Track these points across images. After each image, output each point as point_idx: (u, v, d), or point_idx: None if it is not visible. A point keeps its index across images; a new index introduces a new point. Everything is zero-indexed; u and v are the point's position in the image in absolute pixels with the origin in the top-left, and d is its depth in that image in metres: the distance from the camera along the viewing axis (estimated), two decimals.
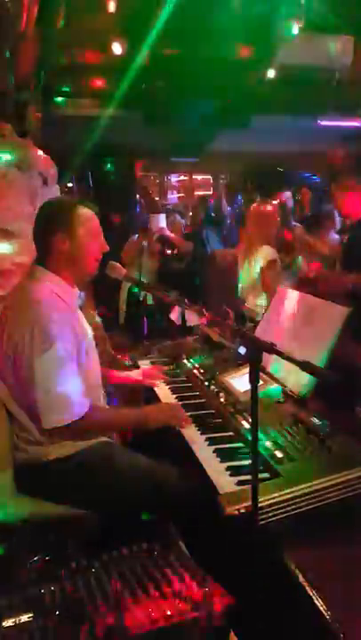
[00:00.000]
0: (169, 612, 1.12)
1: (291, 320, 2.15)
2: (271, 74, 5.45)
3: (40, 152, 3.59)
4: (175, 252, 5.02)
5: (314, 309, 2.04)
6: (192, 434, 1.78)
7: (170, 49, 4.94)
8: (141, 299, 4.17)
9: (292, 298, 2.24)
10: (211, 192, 9.49)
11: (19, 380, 1.66)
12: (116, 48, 5.07)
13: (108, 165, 6.69)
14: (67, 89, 5.86)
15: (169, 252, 5.01)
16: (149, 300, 4.24)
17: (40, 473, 1.71)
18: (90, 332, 1.90)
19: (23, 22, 3.66)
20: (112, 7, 4.61)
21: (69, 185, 7.22)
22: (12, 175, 3.28)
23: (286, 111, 6.45)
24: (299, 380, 1.88)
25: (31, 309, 1.65)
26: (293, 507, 1.34)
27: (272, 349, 1.18)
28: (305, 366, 1.16)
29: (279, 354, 1.19)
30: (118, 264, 2.25)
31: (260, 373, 1.22)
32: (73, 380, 1.67)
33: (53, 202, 1.96)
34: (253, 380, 1.20)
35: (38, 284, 1.72)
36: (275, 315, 2.29)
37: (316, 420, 1.69)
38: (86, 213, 1.79)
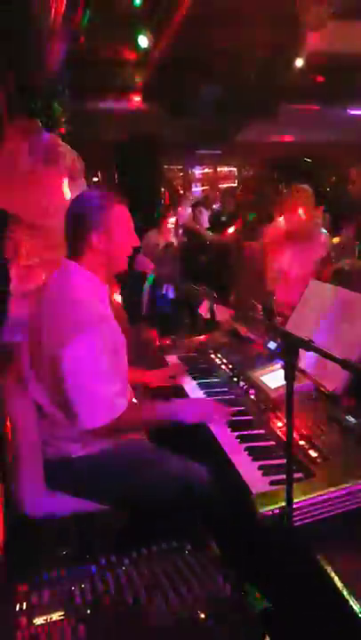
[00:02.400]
0: (203, 616, 1.09)
1: (324, 315, 2.08)
2: (299, 62, 5.31)
3: (66, 146, 3.59)
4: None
5: (350, 304, 1.97)
6: (223, 431, 1.75)
7: (195, 39, 4.88)
8: (164, 292, 4.16)
9: (325, 291, 2.17)
10: (236, 184, 9.38)
11: (55, 378, 1.65)
12: (142, 40, 5.03)
13: (133, 158, 6.68)
14: (92, 82, 5.85)
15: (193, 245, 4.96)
16: (172, 293, 4.21)
17: (69, 469, 1.71)
18: (119, 329, 1.88)
19: (51, 17, 3.66)
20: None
21: (95, 180, 7.22)
22: (39, 170, 3.29)
23: (314, 100, 6.31)
24: (331, 377, 1.82)
25: (70, 308, 1.65)
26: (329, 508, 1.30)
27: (310, 346, 1.14)
28: (346, 364, 1.11)
29: (317, 350, 1.15)
30: (147, 258, 2.23)
31: None
32: (109, 379, 1.66)
33: (86, 198, 1.85)
34: (289, 377, 1.15)
35: (75, 282, 1.71)
36: (307, 309, 2.23)
37: (350, 419, 1.63)
38: (121, 210, 1.75)
